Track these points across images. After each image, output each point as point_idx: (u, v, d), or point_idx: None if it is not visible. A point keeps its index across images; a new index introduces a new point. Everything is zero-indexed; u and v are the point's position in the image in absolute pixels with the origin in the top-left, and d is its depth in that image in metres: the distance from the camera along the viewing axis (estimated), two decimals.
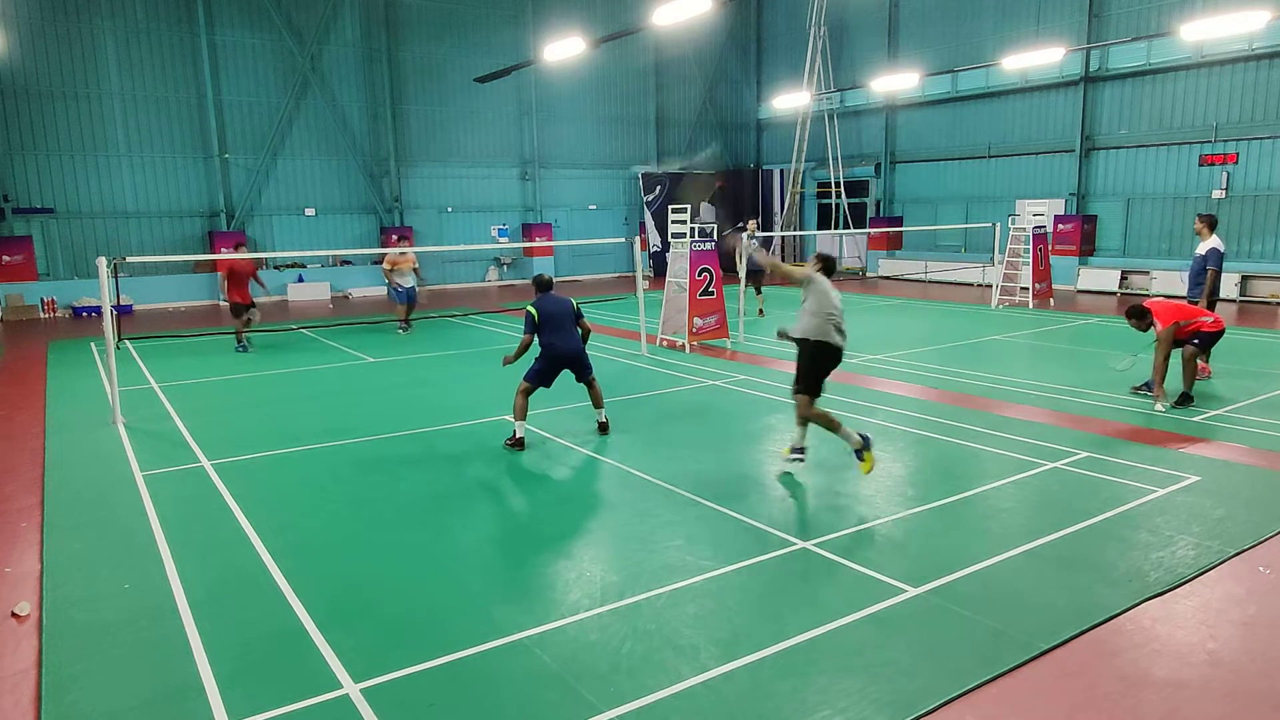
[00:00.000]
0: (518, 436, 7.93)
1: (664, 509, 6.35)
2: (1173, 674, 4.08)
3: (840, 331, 6.75)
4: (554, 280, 8.53)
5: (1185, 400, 9.06)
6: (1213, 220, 10.43)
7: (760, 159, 31.36)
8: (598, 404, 8.47)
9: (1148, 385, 9.42)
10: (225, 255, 15.86)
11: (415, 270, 15.62)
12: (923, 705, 3.82)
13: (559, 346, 8.07)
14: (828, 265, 6.97)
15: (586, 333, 8.34)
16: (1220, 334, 9.24)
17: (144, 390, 10.89)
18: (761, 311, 17.30)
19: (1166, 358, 8.94)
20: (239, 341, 13.92)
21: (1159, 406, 8.95)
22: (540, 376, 8.13)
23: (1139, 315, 9.06)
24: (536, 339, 8.08)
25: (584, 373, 8.36)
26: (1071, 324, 15.10)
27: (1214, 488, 6.57)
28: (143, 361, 13.03)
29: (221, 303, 21.53)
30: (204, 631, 4.57)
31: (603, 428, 8.42)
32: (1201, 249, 10.42)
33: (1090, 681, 4.02)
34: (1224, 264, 10.40)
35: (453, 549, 5.74)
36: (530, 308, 8.07)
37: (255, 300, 14.02)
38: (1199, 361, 9.55)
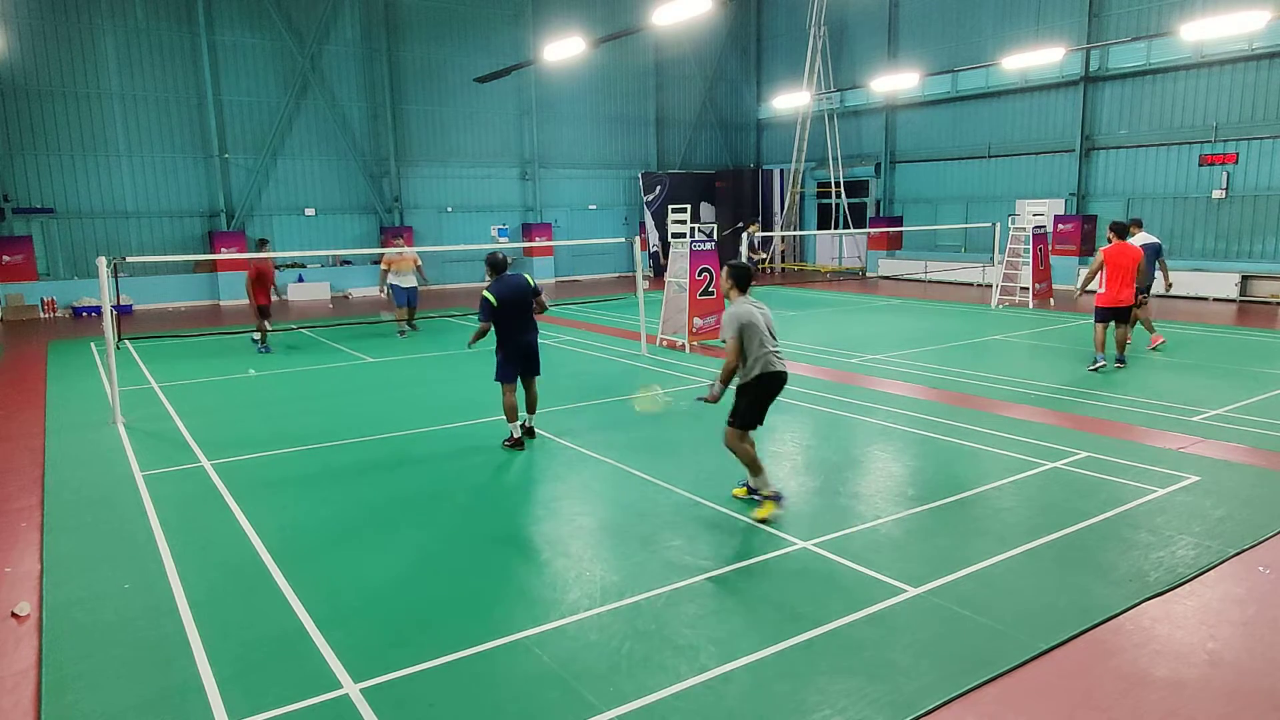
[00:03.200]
0: (515, 437, 7.92)
1: (664, 509, 6.35)
2: (1173, 674, 4.08)
3: (779, 357, 6.06)
4: (508, 259, 8.08)
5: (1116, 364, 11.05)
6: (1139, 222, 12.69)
7: (760, 159, 31.36)
8: (530, 408, 8.17)
9: (1096, 360, 10.97)
10: (254, 256, 14.73)
11: (419, 269, 15.34)
12: (923, 705, 3.82)
13: (518, 337, 7.85)
14: (742, 279, 6.15)
15: (542, 309, 8.04)
16: (1111, 307, 10.82)
17: (144, 390, 10.89)
18: None
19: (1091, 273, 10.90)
20: (263, 343, 13.76)
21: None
22: (511, 372, 7.90)
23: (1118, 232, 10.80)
24: (494, 329, 7.81)
25: (532, 369, 8.06)
26: (1071, 324, 15.08)
27: (1214, 488, 6.57)
28: (143, 361, 13.03)
29: (223, 303, 21.59)
30: (204, 631, 4.57)
31: (529, 433, 8.15)
32: (1145, 240, 12.04)
33: (1090, 681, 4.02)
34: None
35: (452, 549, 5.74)
36: (488, 294, 7.69)
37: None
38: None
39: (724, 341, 6.02)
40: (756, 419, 6.14)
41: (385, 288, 15.23)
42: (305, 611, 4.77)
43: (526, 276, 7.97)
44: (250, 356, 13.34)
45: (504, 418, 8.03)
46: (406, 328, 15.47)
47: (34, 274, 19.72)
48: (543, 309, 8.06)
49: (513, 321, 7.80)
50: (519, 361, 7.93)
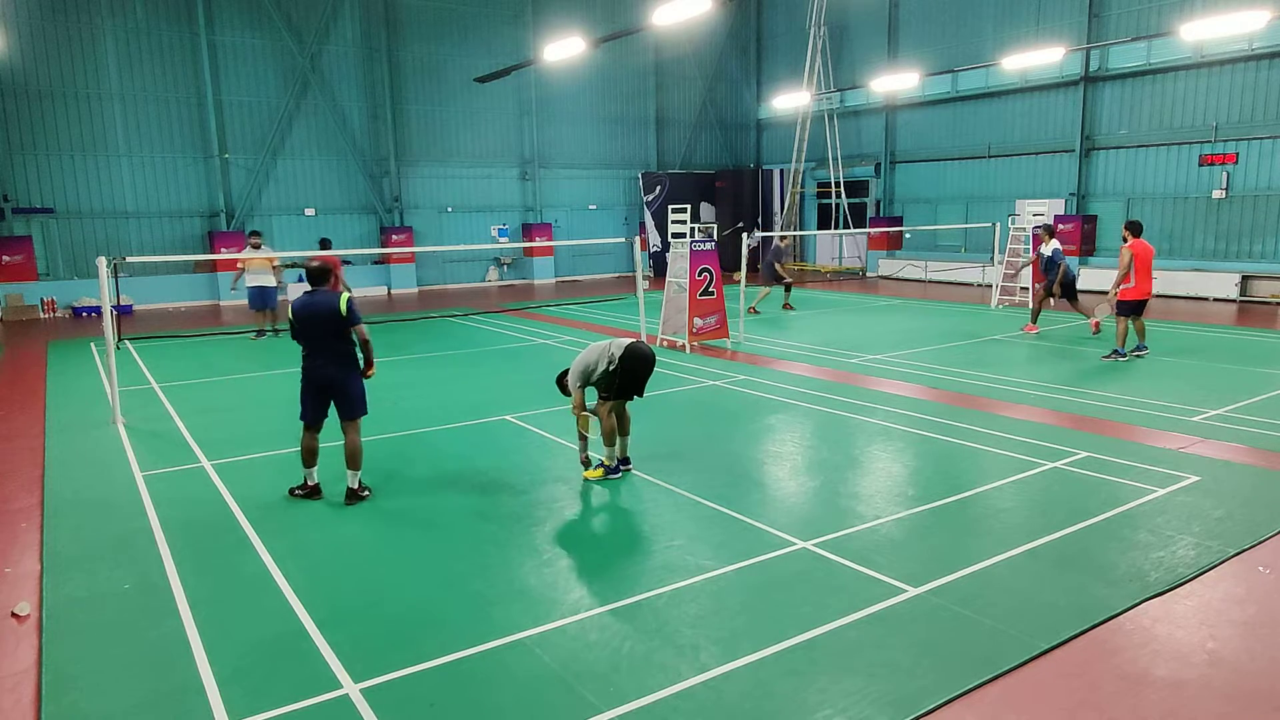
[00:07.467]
0: (306, 485, 6.70)
1: (664, 509, 6.35)
2: (1173, 674, 4.08)
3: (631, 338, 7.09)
4: (326, 268, 6.63)
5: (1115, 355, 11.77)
6: (1051, 229, 14.42)
7: (760, 159, 31.36)
8: (349, 462, 6.56)
9: (1116, 353, 11.62)
10: (321, 254, 13.49)
11: (275, 269, 14.59)
12: (923, 705, 3.82)
13: (310, 369, 6.52)
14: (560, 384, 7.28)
15: (363, 344, 6.56)
16: (1141, 300, 11.68)
17: (144, 390, 10.89)
18: (788, 305, 18.03)
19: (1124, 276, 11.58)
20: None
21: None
22: (305, 409, 6.55)
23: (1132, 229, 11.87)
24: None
25: (344, 409, 6.55)
26: (1071, 324, 15.07)
27: (1214, 488, 6.57)
28: (143, 361, 13.03)
29: (223, 303, 21.58)
30: (204, 632, 4.57)
31: (350, 495, 6.55)
32: (1047, 250, 13.95)
33: (1090, 681, 4.02)
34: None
35: (452, 549, 5.74)
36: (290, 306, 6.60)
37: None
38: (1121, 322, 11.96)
39: (575, 388, 6.92)
40: (631, 390, 6.94)
41: (235, 285, 14.69)
42: (305, 612, 4.77)
43: (343, 298, 6.43)
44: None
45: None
46: (269, 330, 14.96)
47: (34, 274, 19.70)
48: (363, 341, 6.55)
49: (310, 345, 6.50)
50: (312, 396, 6.55)
